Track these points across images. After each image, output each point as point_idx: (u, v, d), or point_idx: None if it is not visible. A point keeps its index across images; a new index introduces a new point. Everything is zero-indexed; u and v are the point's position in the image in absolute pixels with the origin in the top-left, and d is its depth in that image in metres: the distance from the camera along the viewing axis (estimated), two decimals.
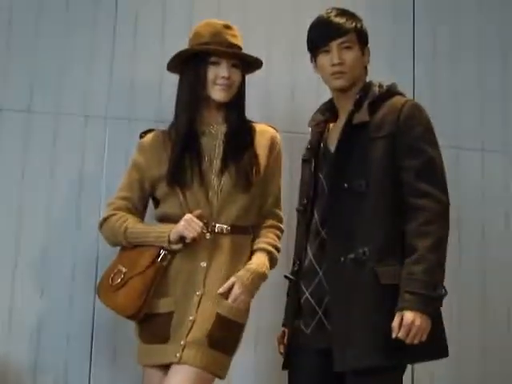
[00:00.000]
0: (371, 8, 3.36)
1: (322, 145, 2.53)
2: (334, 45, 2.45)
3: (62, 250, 2.97)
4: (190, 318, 2.38)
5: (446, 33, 3.44)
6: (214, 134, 2.54)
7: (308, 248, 2.47)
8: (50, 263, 2.95)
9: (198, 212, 2.43)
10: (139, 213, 2.57)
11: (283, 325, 2.60)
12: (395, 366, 2.32)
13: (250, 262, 2.46)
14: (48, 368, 2.91)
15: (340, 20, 2.47)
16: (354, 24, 2.48)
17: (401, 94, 2.50)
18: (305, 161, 2.58)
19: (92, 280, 2.88)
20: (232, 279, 2.41)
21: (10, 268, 2.93)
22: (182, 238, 2.41)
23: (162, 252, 2.43)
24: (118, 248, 2.59)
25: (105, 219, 2.55)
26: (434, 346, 2.32)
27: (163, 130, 2.59)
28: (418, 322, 2.22)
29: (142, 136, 2.62)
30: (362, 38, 2.50)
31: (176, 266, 2.44)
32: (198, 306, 2.39)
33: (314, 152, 2.52)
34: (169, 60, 2.57)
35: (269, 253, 2.50)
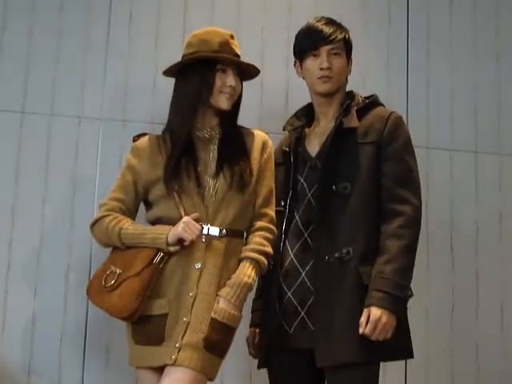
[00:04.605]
0: (365, 9, 3.38)
1: (299, 149, 2.60)
2: (324, 50, 2.56)
3: (56, 251, 2.97)
4: (184, 319, 2.38)
5: (440, 34, 3.46)
6: (209, 138, 2.55)
7: (288, 248, 2.53)
8: (44, 263, 2.96)
9: (195, 215, 2.44)
10: (131, 214, 2.57)
11: (253, 325, 2.67)
12: (374, 361, 2.40)
13: (233, 275, 2.45)
14: (41, 368, 2.91)
15: (331, 28, 2.58)
16: (343, 34, 2.59)
17: (383, 105, 2.63)
18: (278, 164, 2.65)
19: (85, 280, 2.87)
20: (217, 299, 2.41)
21: (4, 268, 2.93)
22: (179, 241, 2.42)
23: (159, 254, 2.42)
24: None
25: (97, 220, 2.54)
26: (403, 347, 2.43)
27: (157, 134, 2.59)
28: (384, 319, 2.31)
29: (135, 139, 2.62)
30: (348, 47, 2.62)
31: (170, 267, 2.44)
32: (192, 308, 2.39)
33: (293, 155, 2.60)
34: (172, 65, 2.56)
35: (253, 260, 2.47)
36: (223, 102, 2.52)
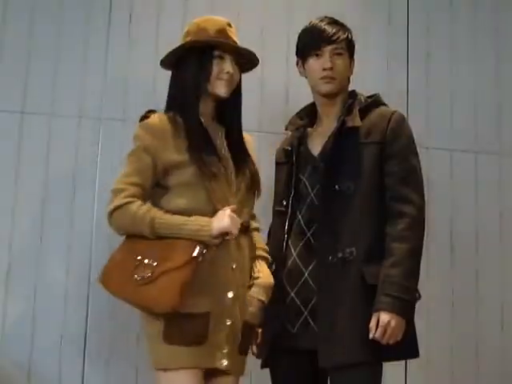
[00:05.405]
0: (365, 9, 3.38)
1: (302, 148, 2.60)
2: (327, 50, 2.54)
3: (56, 250, 2.97)
4: (228, 322, 2.34)
5: (440, 34, 3.46)
6: (213, 130, 2.49)
7: (291, 248, 2.53)
8: (44, 263, 2.96)
9: (234, 207, 2.35)
10: (147, 200, 2.37)
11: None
12: (377, 361, 2.41)
13: (258, 275, 2.44)
14: (42, 368, 2.91)
15: (333, 28, 2.56)
16: (346, 34, 2.58)
17: (385, 104, 2.61)
18: (281, 163, 2.65)
19: (85, 280, 2.88)
20: (250, 300, 2.40)
21: (4, 268, 2.93)
22: (221, 234, 2.31)
23: (199, 247, 2.26)
24: (113, 246, 2.41)
25: (120, 206, 2.31)
26: (407, 346, 2.42)
27: (168, 115, 2.45)
28: (393, 323, 2.31)
29: (146, 116, 2.45)
30: (351, 48, 2.61)
31: (207, 263, 2.30)
32: (233, 311, 2.35)
33: (295, 155, 2.59)
34: (170, 51, 2.51)
35: (267, 259, 2.51)
36: (221, 89, 2.46)
